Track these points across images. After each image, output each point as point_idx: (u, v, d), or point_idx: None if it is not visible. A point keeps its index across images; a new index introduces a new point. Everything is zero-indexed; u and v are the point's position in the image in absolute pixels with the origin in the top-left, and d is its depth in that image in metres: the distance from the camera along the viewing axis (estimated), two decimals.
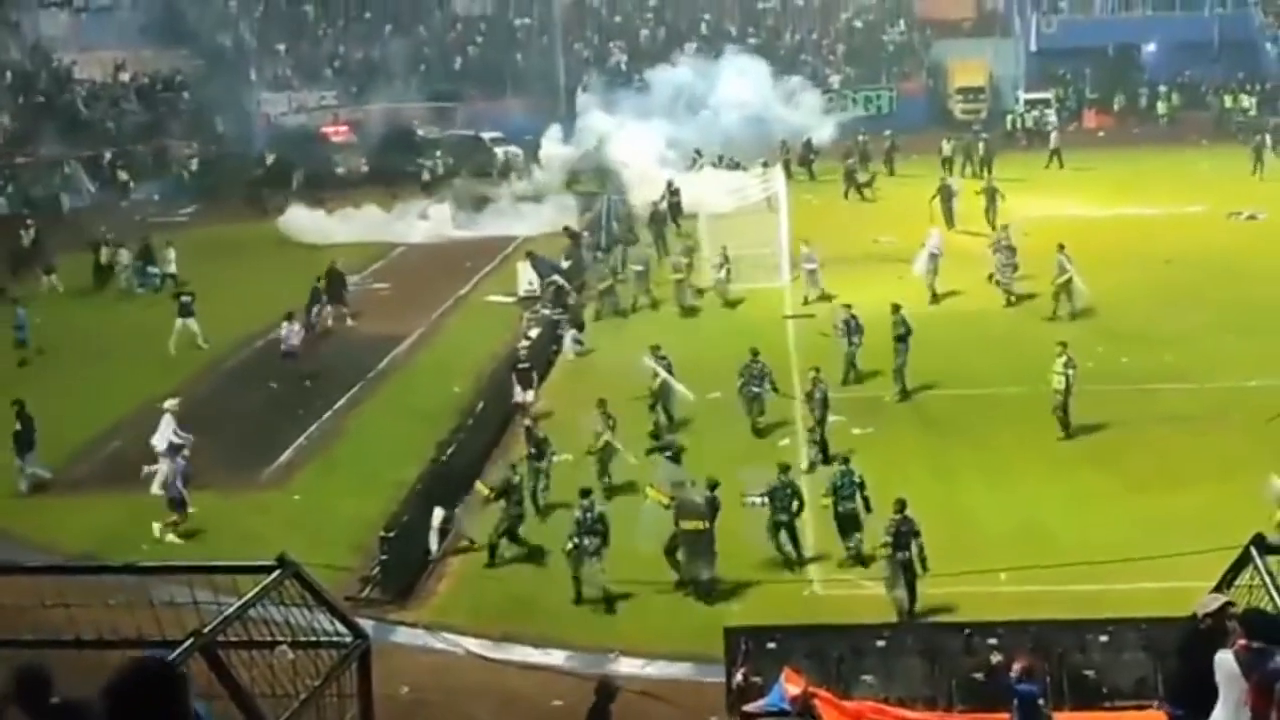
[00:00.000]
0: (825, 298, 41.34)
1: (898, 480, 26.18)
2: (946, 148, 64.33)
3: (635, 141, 58.46)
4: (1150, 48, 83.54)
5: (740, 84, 64.16)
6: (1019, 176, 59.44)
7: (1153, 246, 45.13)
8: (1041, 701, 16.83)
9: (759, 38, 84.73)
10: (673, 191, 53.78)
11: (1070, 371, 30.43)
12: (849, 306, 35.17)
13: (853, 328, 34.43)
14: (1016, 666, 16.86)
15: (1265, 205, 52.21)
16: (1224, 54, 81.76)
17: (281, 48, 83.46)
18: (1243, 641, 12.19)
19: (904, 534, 22.77)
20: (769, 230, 46.41)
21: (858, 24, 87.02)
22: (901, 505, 23.10)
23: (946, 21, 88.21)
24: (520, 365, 35.38)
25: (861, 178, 61.31)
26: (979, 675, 20.03)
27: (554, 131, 64.82)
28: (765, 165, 54.51)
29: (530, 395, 34.42)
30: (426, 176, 65.93)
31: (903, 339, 33.50)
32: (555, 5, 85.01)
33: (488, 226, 55.72)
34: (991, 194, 50.37)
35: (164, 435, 29.19)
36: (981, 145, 63.77)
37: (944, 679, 20.36)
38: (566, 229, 50.61)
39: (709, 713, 20.26)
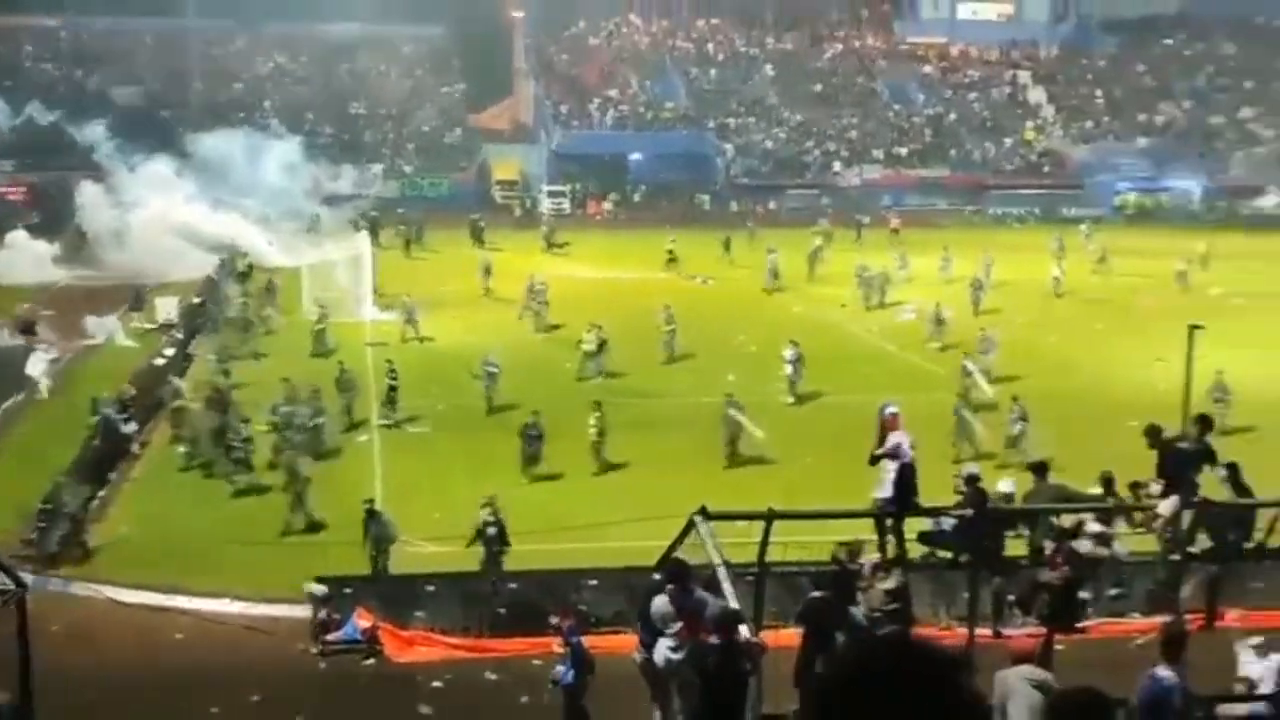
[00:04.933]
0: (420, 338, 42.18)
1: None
2: (480, 223, 65.09)
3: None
4: (636, 156, 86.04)
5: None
6: (539, 247, 61.26)
7: (639, 300, 46.76)
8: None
9: (350, 132, 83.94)
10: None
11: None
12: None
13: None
14: (567, 623, 16.95)
15: (716, 274, 54.76)
16: (688, 163, 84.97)
17: None
18: (671, 587, 13.15)
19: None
20: (358, 278, 46.89)
21: (425, 128, 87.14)
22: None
23: (491, 129, 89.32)
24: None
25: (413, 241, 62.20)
26: (503, 610, 20.83)
27: None
28: (356, 229, 54.66)
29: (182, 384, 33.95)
30: None
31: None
32: None
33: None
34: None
35: None
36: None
37: (475, 614, 21.06)
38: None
39: (298, 641, 20.45)
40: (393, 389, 33.40)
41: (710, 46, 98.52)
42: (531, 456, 28.68)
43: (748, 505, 15.32)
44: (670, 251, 56.92)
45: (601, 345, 37.52)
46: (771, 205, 79.73)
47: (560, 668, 16.06)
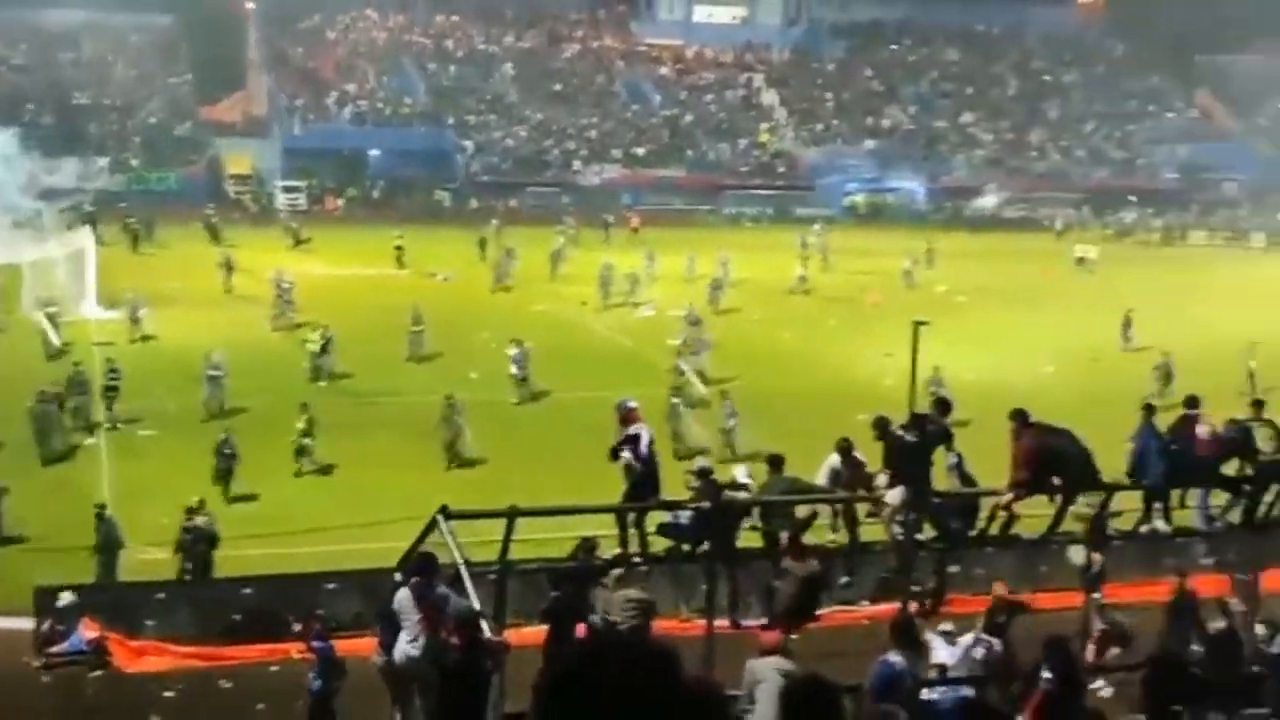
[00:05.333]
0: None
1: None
2: (213, 219, 63.52)
3: None
4: (375, 152, 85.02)
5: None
6: (278, 245, 59.85)
7: (383, 297, 46.14)
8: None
9: (73, 124, 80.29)
10: None
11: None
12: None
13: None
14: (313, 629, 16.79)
15: (462, 273, 54.48)
16: (427, 159, 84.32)
17: None
18: (415, 580, 13.03)
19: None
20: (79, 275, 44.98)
21: (152, 120, 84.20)
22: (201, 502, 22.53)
23: (223, 122, 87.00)
24: None
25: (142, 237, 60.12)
26: (238, 617, 20.24)
27: None
28: (70, 226, 52.43)
29: None
30: None
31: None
32: None
33: None
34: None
35: None
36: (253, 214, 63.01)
37: (208, 622, 20.42)
38: None
39: (21, 654, 19.50)
40: (111, 389, 32.13)
41: (449, 43, 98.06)
42: (224, 473, 27.21)
43: (468, 504, 15.26)
44: (398, 248, 56.48)
45: (326, 344, 36.63)
46: (513, 203, 79.62)
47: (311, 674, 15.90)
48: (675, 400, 31.60)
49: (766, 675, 10.91)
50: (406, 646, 12.97)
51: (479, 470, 28.96)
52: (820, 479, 18.08)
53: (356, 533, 20.94)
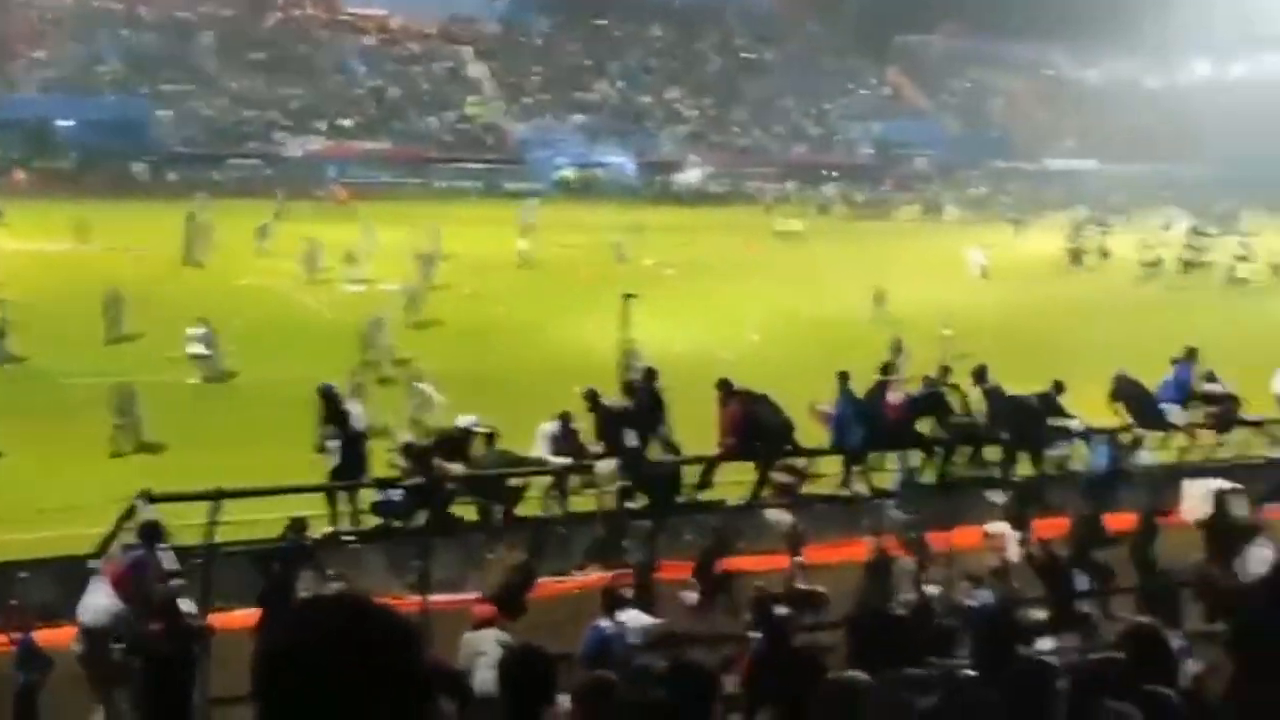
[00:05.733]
0: None
1: None
2: None
3: None
4: (66, 122, 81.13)
5: None
6: None
7: (76, 273, 44.04)
8: None
9: None
10: None
11: None
12: None
13: None
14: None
15: (147, 246, 52.48)
16: (121, 129, 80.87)
17: None
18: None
19: None
20: None
21: None
22: None
23: None
24: None
25: None
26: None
27: None
28: None
29: None
30: None
31: None
32: None
33: None
34: None
35: None
36: None
37: None
38: None
39: None
40: None
41: (143, 10, 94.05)
42: None
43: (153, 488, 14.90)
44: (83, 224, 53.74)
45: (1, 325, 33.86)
46: (215, 175, 77.10)
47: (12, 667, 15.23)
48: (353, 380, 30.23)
49: (486, 647, 10.85)
50: (105, 601, 12.63)
51: (161, 455, 27.65)
52: (538, 446, 18.24)
53: (39, 519, 19.89)
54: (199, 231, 52.06)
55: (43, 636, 16.13)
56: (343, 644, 2.39)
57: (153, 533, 13.17)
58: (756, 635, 11.63)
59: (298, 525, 15.66)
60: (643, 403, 17.55)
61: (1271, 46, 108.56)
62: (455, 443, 18.11)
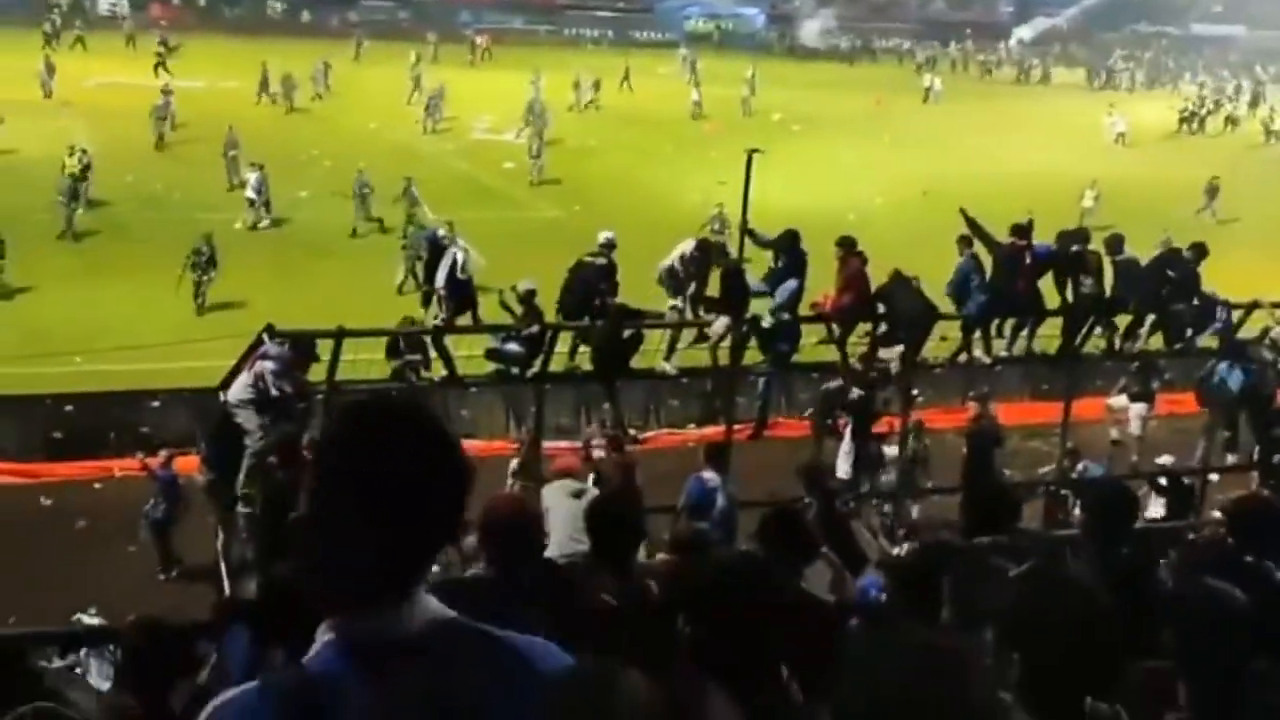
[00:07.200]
0: None
1: None
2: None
3: None
4: None
5: None
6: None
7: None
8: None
9: None
10: None
11: None
12: None
13: None
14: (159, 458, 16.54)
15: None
16: None
17: None
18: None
19: None
20: None
21: None
22: None
23: None
24: None
25: None
26: (59, 435, 19.84)
27: None
28: None
29: None
30: None
31: None
32: None
33: None
34: None
35: None
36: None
37: (33, 439, 20.03)
38: None
39: None
40: None
41: None
42: None
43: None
44: (159, 53, 53.66)
45: (86, 169, 32.80)
46: (353, 17, 76.74)
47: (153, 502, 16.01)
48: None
49: (554, 501, 10.76)
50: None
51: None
52: (668, 261, 18.06)
53: (162, 352, 20.27)
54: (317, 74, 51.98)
55: (178, 464, 16.72)
56: (382, 433, 2.43)
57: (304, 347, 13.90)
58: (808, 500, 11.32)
59: (412, 365, 15.99)
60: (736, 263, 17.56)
61: None
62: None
